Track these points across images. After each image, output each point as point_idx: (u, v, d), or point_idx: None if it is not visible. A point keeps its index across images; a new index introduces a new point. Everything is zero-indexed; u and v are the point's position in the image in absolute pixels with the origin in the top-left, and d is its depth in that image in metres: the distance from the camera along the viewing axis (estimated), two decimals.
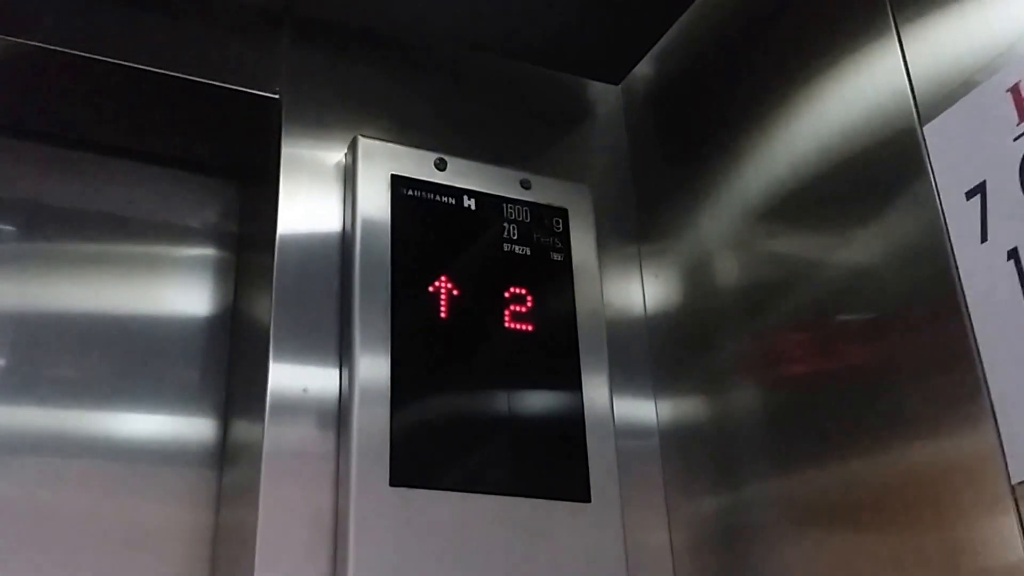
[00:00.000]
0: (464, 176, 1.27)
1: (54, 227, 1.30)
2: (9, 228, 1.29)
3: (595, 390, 1.22)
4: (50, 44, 1.15)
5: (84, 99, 1.26)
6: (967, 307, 0.88)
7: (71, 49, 1.16)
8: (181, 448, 1.24)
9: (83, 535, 1.16)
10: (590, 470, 1.17)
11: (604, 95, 1.51)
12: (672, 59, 1.41)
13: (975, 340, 0.87)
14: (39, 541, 1.14)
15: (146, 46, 1.20)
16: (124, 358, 1.26)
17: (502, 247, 1.25)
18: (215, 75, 1.23)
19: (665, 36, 1.42)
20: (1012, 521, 0.82)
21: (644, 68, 1.47)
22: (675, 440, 1.26)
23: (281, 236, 1.17)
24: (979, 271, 0.88)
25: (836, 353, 1.05)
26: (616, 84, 1.51)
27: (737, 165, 1.22)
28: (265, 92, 1.25)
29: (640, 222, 1.41)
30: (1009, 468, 0.83)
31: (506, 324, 1.21)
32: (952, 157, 0.93)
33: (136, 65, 1.19)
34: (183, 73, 1.21)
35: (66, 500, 1.17)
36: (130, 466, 1.21)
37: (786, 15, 1.19)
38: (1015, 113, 0.87)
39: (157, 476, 1.22)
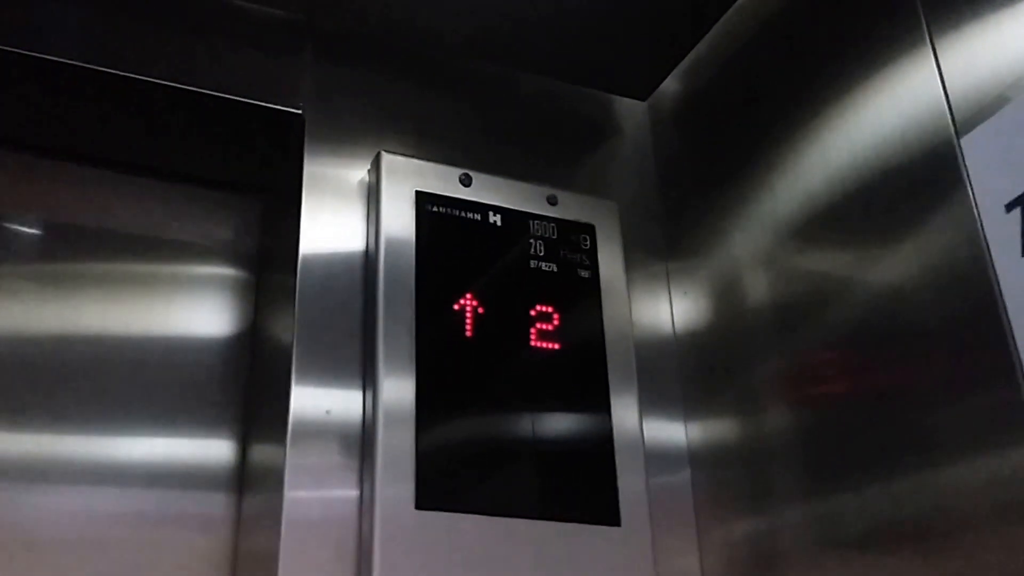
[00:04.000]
0: (490, 192, 1.25)
1: (70, 246, 1.28)
2: (24, 247, 1.28)
3: (624, 410, 1.20)
4: (68, 58, 1.14)
5: (101, 114, 1.25)
6: (1009, 322, 0.86)
7: (89, 63, 1.15)
8: (200, 472, 1.22)
9: (99, 562, 1.14)
10: (619, 493, 1.15)
11: (631, 111, 1.49)
12: (699, 75, 1.40)
13: (1018, 356, 0.85)
14: (56, 568, 1.13)
15: (166, 60, 1.19)
16: (141, 380, 1.24)
17: (528, 264, 1.23)
18: (236, 90, 1.21)
19: (692, 52, 1.40)
20: None
21: (671, 84, 1.45)
22: (706, 462, 1.24)
23: (304, 255, 1.16)
24: (1021, 285, 0.86)
25: (872, 373, 1.02)
26: (643, 100, 1.50)
27: (768, 180, 1.20)
28: (288, 107, 1.23)
29: (668, 239, 1.39)
30: None
31: (532, 343, 1.19)
32: (991, 169, 0.91)
33: (155, 80, 1.17)
34: (203, 88, 1.20)
35: (81, 526, 1.15)
36: (147, 490, 1.19)
37: (817, 27, 1.17)
38: None
39: (175, 501, 1.20)
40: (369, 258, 1.18)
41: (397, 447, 1.06)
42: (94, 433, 1.21)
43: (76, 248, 1.29)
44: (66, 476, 1.17)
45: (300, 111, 1.24)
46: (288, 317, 1.14)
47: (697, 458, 1.25)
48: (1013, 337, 0.85)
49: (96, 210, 1.31)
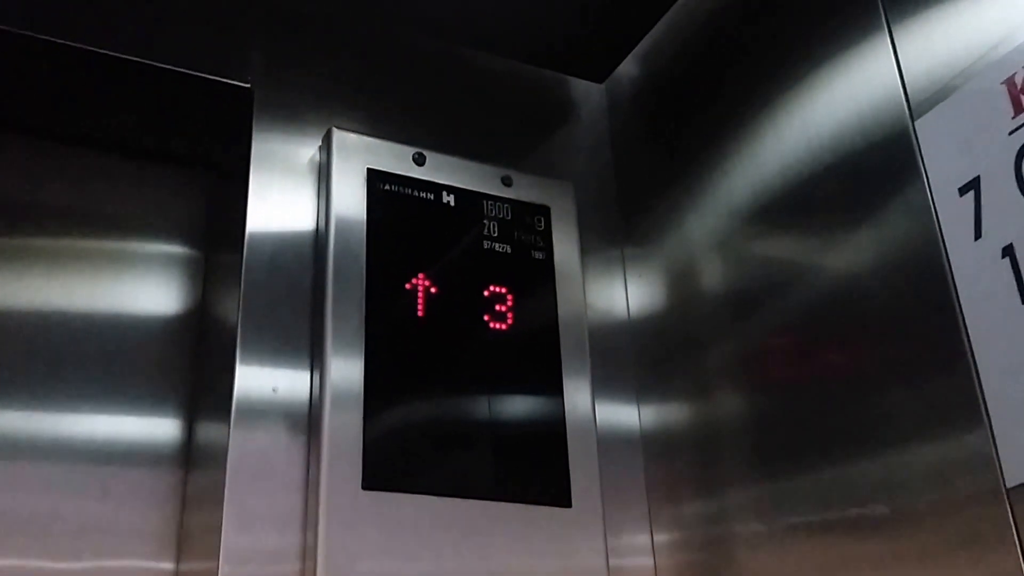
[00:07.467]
0: (443, 171, 1.24)
1: (10, 221, 1.25)
2: None
3: (577, 391, 1.20)
4: (7, 26, 1.10)
5: (42, 85, 1.22)
6: (961, 307, 0.86)
7: (29, 31, 1.11)
8: (145, 450, 1.20)
9: (42, 540, 1.12)
10: (571, 474, 1.15)
11: (588, 93, 1.48)
12: (657, 57, 1.39)
13: (969, 341, 0.85)
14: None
15: (111, 31, 1.16)
16: (86, 358, 1.21)
17: (482, 244, 1.22)
18: (184, 62, 1.19)
19: (650, 34, 1.40)
20: (1007, 526, 0.80)
21: (628, 66, 1.45)
22: (658, 445, 1.24)
23: (251, 232, 1.14)
24: (973, 269, 0.86)
25: (825, 357, 1.03)
26: (600, 82, 1.49)
27: (723, 165, 1.20)
28: (236, 81, 1.21)
29: (624, 223, 1.39)
30: (1004, 472, 0.81)
31: (485, 324, 1.18)
32: (945, 152, 0.91)
33: (100, 50, 1.14)
34: (150, 60, 1.17)
35: (25, 503, 1.13)
36: (92, 468, 1.17)
37: (774, 11, 1.17)
38: (1010, 106, 0.85)
39: (120, 479, 1.17)
40: (319, 236, 1.16)
41: (345, 427, 1.05)
42: (37, 410, 1.18)
43: (17, 223, 1.25)
44: (8, 453, 1.14)
45: (248, 85, 1.22)
46: (234, 296, 1.12)
47: (650, 441, 1.25)
48: (964, 321, 0.86)
49: (38, 184, 1.28)
